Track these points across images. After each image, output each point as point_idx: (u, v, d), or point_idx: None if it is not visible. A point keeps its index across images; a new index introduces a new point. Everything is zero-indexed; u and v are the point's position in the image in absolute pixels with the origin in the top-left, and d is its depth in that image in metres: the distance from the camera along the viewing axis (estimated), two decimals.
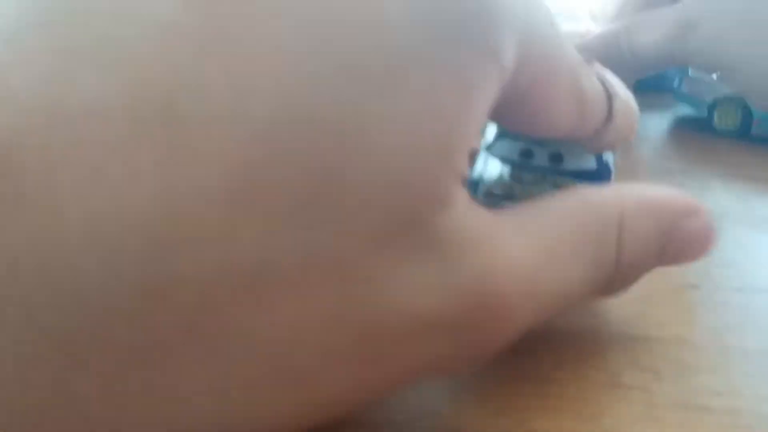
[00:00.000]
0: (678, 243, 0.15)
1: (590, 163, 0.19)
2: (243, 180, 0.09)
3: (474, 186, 0.18)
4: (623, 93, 0.17)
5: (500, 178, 0.19)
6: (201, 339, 0.09)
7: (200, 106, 0.09)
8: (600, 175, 0.19)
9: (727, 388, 0.15)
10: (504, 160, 0.19)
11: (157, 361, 0.09)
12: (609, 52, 0.32)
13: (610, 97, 0.16)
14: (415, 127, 0.10)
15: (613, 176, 0.19)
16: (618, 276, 0.14)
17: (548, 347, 0.16)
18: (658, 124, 0.33)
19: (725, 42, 0.28)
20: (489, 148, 0.20)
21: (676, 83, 0.35)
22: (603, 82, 0.16)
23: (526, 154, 0.20)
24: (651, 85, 0.37)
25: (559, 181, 0.18)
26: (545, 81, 0.14)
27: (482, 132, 0.12)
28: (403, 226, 0.11)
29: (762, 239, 0.22)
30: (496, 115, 0.13)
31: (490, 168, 0.19)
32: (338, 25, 0.10)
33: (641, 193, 0.15)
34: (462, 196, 0.12)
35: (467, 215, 0.12)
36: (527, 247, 0.12)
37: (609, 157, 0.20)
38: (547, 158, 0.19)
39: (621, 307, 0.18)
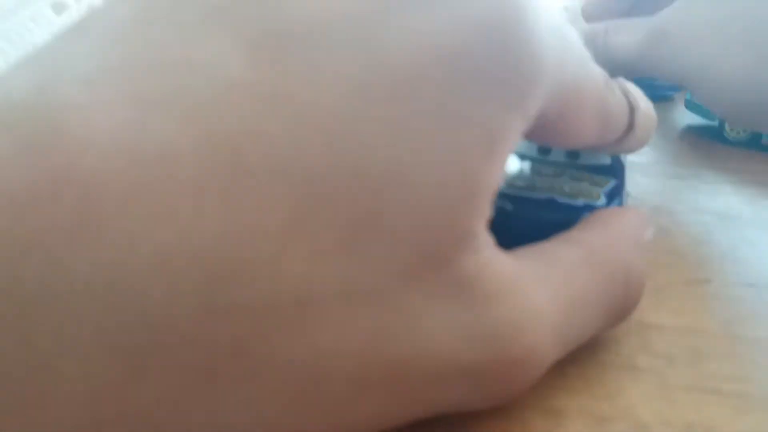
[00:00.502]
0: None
1: (605, 159, 0.20)
2: (295, 220, 0.10)
3: None
4: (644, 104, 0.18)
5: (521, 171, 0.19)
6: (247, 362, 0.10)
7: (263, 156, 0.10)
8: (614, 169, 0.20)
9: (738, 374, 0.16)
10: (523, 156, 0.20)
11: (206, 379, 0.10)
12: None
13: (632, 109, 0.17)
14: (444, 177, 0.11)
15: (625, 171, 0.20)
16: (627, 308, 0.15)
17: None
18: (669, 131, 0.34)
19: (690, 55, 0.29)
20: None
21: (688, 95, 0.36)
22: (626, 95, 0.17)
23: (544, 151, 0.21)
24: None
25: (576, 175, 0.19)
26: (573, 109, 0.15)
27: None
28: (432, 263, 0.11)
29: None
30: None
31: (509, 161, 0.20)
32: (381, 83, 0.11)
33: (628, 226, 0.16)
34: (488, 242, 0.12)
35: (492, 262, 0.12)
36: (550, 300, 0.13)
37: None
38: (564, 154, 0.20)
39: None
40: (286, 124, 0.10)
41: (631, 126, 0.17)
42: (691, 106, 0.35)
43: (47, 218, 0.09)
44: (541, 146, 0.21)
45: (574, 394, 0.15)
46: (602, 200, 0.19)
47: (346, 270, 0.11)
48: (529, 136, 0.15)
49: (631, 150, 0.18)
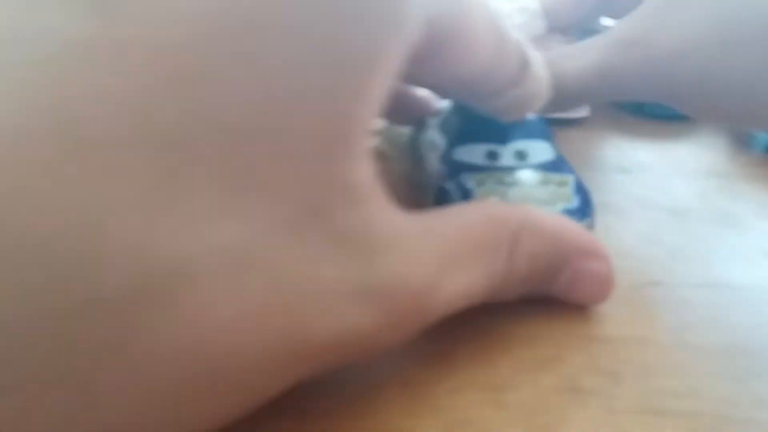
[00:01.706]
0: (573, 278, 0.16)
1: (549, 154, 0.20)
2: (159, 188, 0.09)
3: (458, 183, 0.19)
4: (533, 51, 0.17)
5: (486, 182, 0.19)
6: (127, 361, 0.09)
7: (110, 121, 0.09)
8: (562, 163, 0.20)
9: (688, 390, 0.15)
10: (472, 167, 0.20)
11: (80, 381, 0.09)
12: None
13: (522, 46, 0.16)
14: (313, 117, 0.10)
15: (568, 164, 0.20)
16: (510, 285, 0.15)
17: (505, 352, 0.15)
18: (614, 122, 0.33)
19: (678, 63, 0.27)
20: (450, 153, 0.20)
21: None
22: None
23: (492, 156, 0.20)
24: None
25: (541, 178, 0.19)
26: (466, 22, 0.14)
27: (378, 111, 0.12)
28: (314, 217, 0.11)
29: (722, 234, 0.22)
30: (416, 63, 0.13)
31: (467, 178, 0.19)
32: (236, 13, 0.10)
33: (545, 220, 0.15)
34: (373, 194, 0.12)
35: (378, 215, 0.12)
36: (433, 251, 0.13)
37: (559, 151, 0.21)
38: (513, 156, 0.20)
39: (580, 306, 0.17)
40: (133, 76, 0.09)
41: (525, 63, 0.16)
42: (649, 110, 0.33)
43: None
44: (489, 150, 0.20)
45: (511, 426, 0.13)
46: (575, 200, 0.19)
47: (226, 233, 0.10)
48: (422, 61, 0.14)
49: (532, 98, 0.17)
